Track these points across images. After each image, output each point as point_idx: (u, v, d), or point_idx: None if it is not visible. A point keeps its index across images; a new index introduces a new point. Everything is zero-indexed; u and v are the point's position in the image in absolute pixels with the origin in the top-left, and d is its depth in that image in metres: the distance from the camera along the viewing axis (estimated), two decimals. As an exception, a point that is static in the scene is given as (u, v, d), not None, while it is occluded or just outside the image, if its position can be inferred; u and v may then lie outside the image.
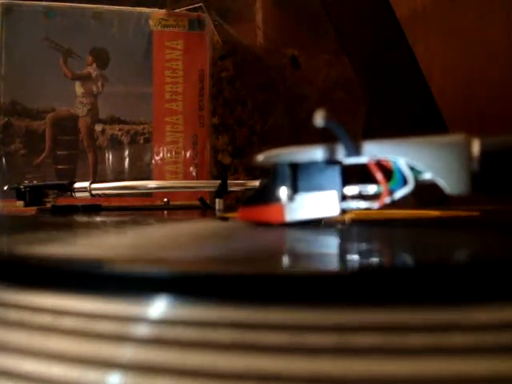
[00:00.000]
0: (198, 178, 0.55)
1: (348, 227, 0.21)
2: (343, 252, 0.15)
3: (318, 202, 0.18)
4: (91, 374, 0.10)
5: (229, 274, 0.11)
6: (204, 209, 0.43)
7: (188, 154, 0.55)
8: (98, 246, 0.16)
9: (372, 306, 0.10)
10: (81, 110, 0.54)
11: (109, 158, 0.54)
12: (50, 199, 0.39)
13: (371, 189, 0.18)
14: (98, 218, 0.34)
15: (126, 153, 0.55)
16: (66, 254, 0.14)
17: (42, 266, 0.12)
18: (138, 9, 0.55)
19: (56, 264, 0.12)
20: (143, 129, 0.54)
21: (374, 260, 0.13)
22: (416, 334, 0.09)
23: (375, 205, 0.17)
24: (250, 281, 0.10)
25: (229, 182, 0.39)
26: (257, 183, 0.39)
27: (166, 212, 0.44)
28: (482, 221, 0.27)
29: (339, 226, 0.21)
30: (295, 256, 0.14)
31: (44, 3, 0.53)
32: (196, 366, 0.10)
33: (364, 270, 0.11)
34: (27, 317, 0.11)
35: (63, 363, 0.10)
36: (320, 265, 0.12)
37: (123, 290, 0.11)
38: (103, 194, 0.39)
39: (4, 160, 0.52)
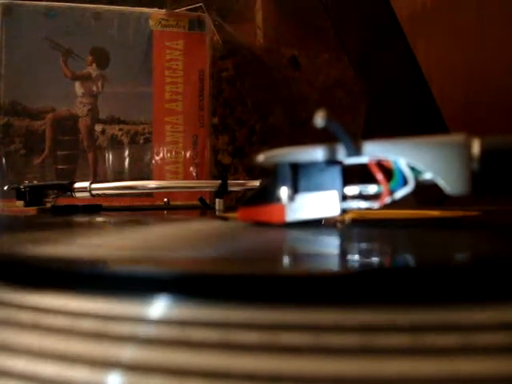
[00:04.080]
0: (198, 178, 0.55)
1: (348, 227, 0.21)
2: (343, 252, 0.15)
3: (318, 202, 0.18)
4: (91, 374, 0.10)
5: (229, 273, 0.11)
6: (204, 209, 0.43)
7: (188, 154, 0.55)
8: (98, 246, 0.16)
9: (373, 306, 0.10)
10: (81, 110, 0.54)
11: (109, 158, 0.54)
12: (50, 199, 0.39)
13: (372, 189, 0.18)
14: (99, 218, 0.34)
15: (126, 153, 0.54)
16: (65, 255, 0.14)
17: (42, 266, 0.12)
18: (138, 9, 0.55)
19: (56, 264, 0.12)
20: (143, 129, 0.54)
21: (374, 261, 0.13)
22: (415, 334, 0.09)
23: (376, 205, 0.17)
24: (250, 281, 0.10)
25: (229, 182, 0.39)
26: (257, 183, 0.39)
27: (166, 212, 0.44)
28: (481, 221, 0.27)
29: (339, 226, 0.21)
30: (296, 256, 0.14)
31: (44, 3, 0.53)
32: (193, 367, 0.10)
33: (363, 271, 0.11)
34: (27, 317, 0.11)
35: (59, 363, 0.10)
36: (320, 265, 0.12)
37: (123, 291, 0.11)
38: (103, 193, 0.39)
39: (4, 160, 0.52)
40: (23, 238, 0.19)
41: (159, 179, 0.53)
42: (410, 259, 0.13)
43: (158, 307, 0.10)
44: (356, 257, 0.13)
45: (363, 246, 0.16)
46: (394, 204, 0.18)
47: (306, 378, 0.09)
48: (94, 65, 0.54)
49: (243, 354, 0.10)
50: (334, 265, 0.13)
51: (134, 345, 0.10)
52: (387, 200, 0.17)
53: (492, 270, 0.10)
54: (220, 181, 0.39)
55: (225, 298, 0.10)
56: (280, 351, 0.09)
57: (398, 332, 0.09)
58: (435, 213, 0.30)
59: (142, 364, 0.10)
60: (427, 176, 0.17)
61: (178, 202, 0.49)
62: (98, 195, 0.39)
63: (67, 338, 0.10)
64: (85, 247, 0.16)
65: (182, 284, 0.10)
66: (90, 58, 0.53)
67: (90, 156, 0.54)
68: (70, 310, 0.11)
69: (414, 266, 0.11)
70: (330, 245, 0.17)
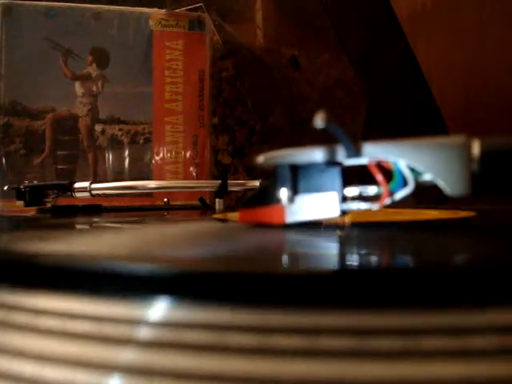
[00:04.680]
0: (198, 178, 0.55)
1: (347, 229, 0.21)
2: (342, 254, 0.15)
3: (318, 204, 0.18)
4: (87, 377, 0.10)
5: (229, 274, 0.11)
6: (204, 209, 0.43)
7: (188, 154, 0.55)
8: (97, 246, 0.16)
9: (372, 308, 0.10)
10: (81, 110, 0.54)
11: (109, 158, 0.54)
12: (50, 199, 0.39)
13: (371, 190, 0.18)
14: (98, 219, 0.34)
15: (126, 153, 0.54)
16: (64, 254, 0.14)
17: (39, 265, 0.12)
18: (138, 9, 0.55)
19: (54, 264, 0.12)
20: (143, 129, 0.54)
21: (374, 263, 0.13)
22: (418, 336, 0.09)
23: (375, 206, 0.17)
24: (251, 282, 0.10)
25: (229, 182, 0.39)
26: (257, 183, 0.39)
27: (166, 212, 0.44)
28: (480, 222, 0.27)
29: (339, 228, 0.21)
30: (295, 257, 0.14)
31: (44, 3, 0.53)
32: (196, 368, 0.10)
33: (363, 273, 0.11)
34: (26, 319, 0.11)
35: (60, 366, 0.10)
36: (320, 266, 0.12)
37: (123, 292, 0.11)
38: (103, 194, 0.39)
39: (4, 160, 0.52)
40: (22, 237, 0.19)
41: (159, 179, 0.53)
42: (405, 262, 0.13)
43: (158, 309, 0.10)
44: (353, 259, 0.13)
45: (360, 248, 0.16)
46: (394, 204, 0.18)
47: (303, 381, 0.09)
48: (94, 65, 0.54)
49: (242, 357, 0.10)
50: (331, 266, 0.13)
51: (134, 347, 0.10)
52: (387, 201, 0.17)
53: (487, 272, 0.10)
54: (220, 181, 0.39)
55: (224, 300, 0.10)
56: (278, 354, 0.09)
57: (375, 334, 0.09)
58: (433, 212, 0.30)
59: (141, 366, 0.10)
60: (427, 177, 0.17)
61: (178, 202, 0.49)
62: (98, 195, 0.39)
63: (68, 340, 0.10)
64: (83, 247, 0.16)
65: (181, 285, 0.10)
66: (89, 57, 0.53)
67: (90, 156, 0.54)
68: (71, 312, 0.11)
69: (408, 269, 0.11)
70: (329, 246, 0.17)
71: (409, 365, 0.09)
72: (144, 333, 0.10)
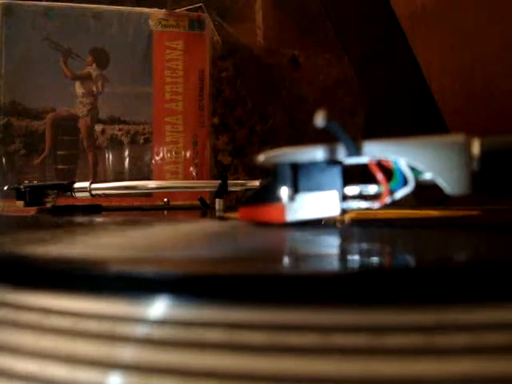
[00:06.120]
0: (198, 178, 0.55)
1: (347, 227, 0.21)
2: (342, 252, 0.15)
3: (318, 202, 0.18)
4: (89, 375, 0.10)
5: (227, 274, 0.11)
6: (204, 209, 0.43)
7: (188, 154, 0.55)
8: (97, 246, 0.16)
9: (371, 306, 0.10)
10: (81, 110, 0.54)
11: (109, 158, 0.54)
12: (50, 199, 0.39)
13: (372, 189, 0.18)
14: (98, 219, 0.34)
15: (126, 153, 0.54)
16: (63, 254, 0.14)
17: (41, 265, 0.12)
18: (138, 9, 0.55)
19: (53, 264, 0.12)
20: (143, 129, 0.54)
21: (374, 261, 0.13)
22: (412, 334, 0.09)
23: (376, 205, 0.17)
24: (249, 281, 0.10)
25: (229, 182, 0.39)
26: (257, 183, 0.39)
27: (166, 212, 0.44)
28: (481, 221, 0.27)
29: (339, 226, 0.21)
30: (294, 257, 0.14)
31: (44, 3, 0.53)
32: (194, 366, 0.10)
33: (362, 271, 0.11)
34: (25, 317, 0.11)
35: (61, 364, 0.10)
36: (318, 266, 0.12)
37: (122, 291, 0.11)
38: (103, 194, 0.39)
39: (4, 160, 0.52)
40: (24, 238, 0.19)
41: (159, 179, 0.53)
42: (407, 260, 0.13)
43: (159, 308, 0.10)
44: (355, 257, 0.13)
45: (362, 246, 0.16)
46: (394, 204, 0.18)
47: (307, 378, 0.09)
48: (94, 65, 0.54)
49: (246, 354, 0.10)
50: (333, 265, 0.13)
51: (135, 345, 0.10)
52: (387, 200, 0.17)
53: (490, 270, 0.10)
54: (220, 181, 0.39)
55: (226, 299, 0.10)
56: (281, 351, 0.09)
57: (371, 332, 0.09)
58: (435, 212, 0.30)
59: (142, 364, 0.10)
60: (427, 176, 0.17)
61: (178, 202, 0.49)
62: (98, 195, 0.39)
63: (69, 338, 0.10)
64: (86, 248, 0.16)
65: (184, 285, 0.10)
66: (90, 57, 0.53)
67: (90, 156, 0.54)
68: (71, 310, 0.11)
69: (411, 267, 0.11)
70: (330, 245, 0.17)
71: (423, 363, 0.09)
72: (146, 331, 0.10)
